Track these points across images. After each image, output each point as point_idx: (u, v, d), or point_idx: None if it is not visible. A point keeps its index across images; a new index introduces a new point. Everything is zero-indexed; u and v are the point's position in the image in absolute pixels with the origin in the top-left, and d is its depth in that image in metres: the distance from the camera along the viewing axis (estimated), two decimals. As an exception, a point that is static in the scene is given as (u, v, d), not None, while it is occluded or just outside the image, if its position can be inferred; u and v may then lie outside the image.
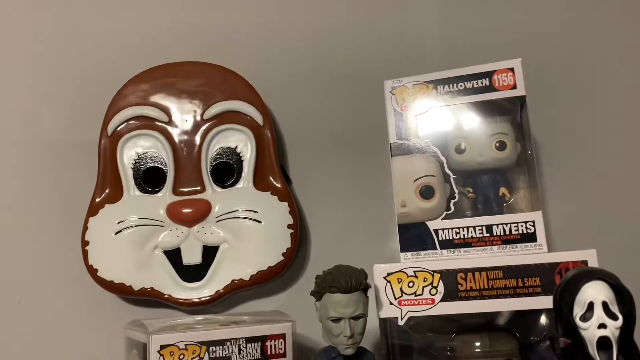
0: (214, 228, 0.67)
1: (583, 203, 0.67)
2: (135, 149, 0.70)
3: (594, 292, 0.39)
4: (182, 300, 0.67)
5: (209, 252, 0.67)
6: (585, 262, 0.50)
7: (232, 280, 0.66)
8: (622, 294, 0.39)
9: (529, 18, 0.70)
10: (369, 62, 0.72)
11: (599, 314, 0.38)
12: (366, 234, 0.68)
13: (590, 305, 0.38)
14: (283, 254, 0.66)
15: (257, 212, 0.67)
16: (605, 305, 0.38)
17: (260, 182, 0.68)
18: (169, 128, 0.70)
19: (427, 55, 0.72)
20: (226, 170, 0.69)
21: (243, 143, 0.69)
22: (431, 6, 0.73)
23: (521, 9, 0.71)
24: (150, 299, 0.68)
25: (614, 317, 0.38)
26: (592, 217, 0.66)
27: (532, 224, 0.54)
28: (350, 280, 0.47)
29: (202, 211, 0.67)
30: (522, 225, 0.54)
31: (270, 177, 0.69)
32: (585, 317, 0.38)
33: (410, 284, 0.52)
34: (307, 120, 0.73)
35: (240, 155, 0.69)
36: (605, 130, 0.68)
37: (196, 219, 0.67)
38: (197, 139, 0.69)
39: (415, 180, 0.58)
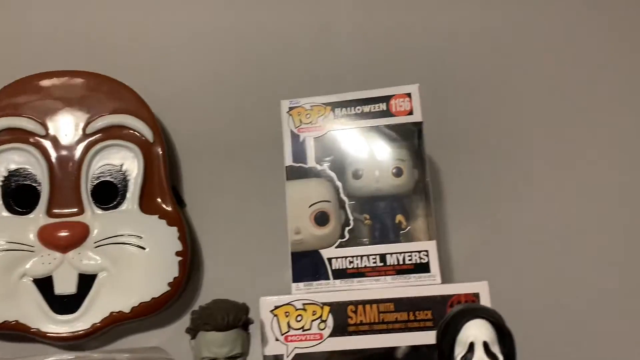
0: (91, 254, 0.60)
1: (483, 231, 0.66)
2: (5, 165, 0.62)
3: (475, 331, 0.37)
4: (52, 335, 0.60)
5: (86, 281, 0.60)
6: (476, 295, 0.49)
7: (111, 313, 0.60)
8: (503, 333, 0.37)
9: (431, 42, 0.70)
10: (270, 79, 0.69)
11: (479, 355, 0.36)
12: (264, 262, 0.64)
13: (471, 346, 0.37)
14: (169, 284, 0.61)
15: (141, 238, 0.61)
16: (486, 345, 0.37)
17: (147, 204, 0.63)
18: (46, 142, 0.63)
19: (330, 75, 0.70)
20: (109, 191, 0.63)
21: (129, 161, 0.63)
22: (340, 24, 0.71)
23: (424, 34, 0.71)
24: (15, 333, 0.60)
25: (494, 357, 0.37)
26: (491, 245, 0.66)
27: (425, 253, 0.52)
28: (227, 317, 0.43)
29: (78, 235, 0.60)
30: (416, 255, 0.52)
31: (159, 199, 0.63)
32: (466, 358, 0.37)
33: (299, 318, 0.49)
34: (204, 139, 0.68)
35: (126, 174, 0.63)
36: (508, 157, 0.68)
37: (71, 244, 0.60)
38: (78, 155, 0.63)
39: (310, 206, 0.55)
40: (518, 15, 0.71)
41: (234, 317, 0.43)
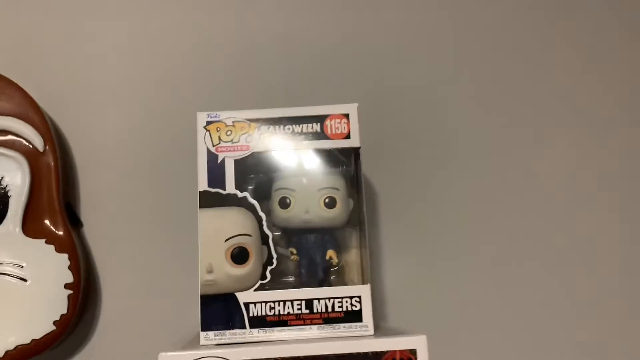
0: (-43, 287, 0.50)
1: (423, 266, 0.60)
2: None
3: None
4: None
5: (-51, 319, 0.50)
6: (413, 352, 0.43)
7: (-21, 357, 0.50)
8: None
9: (370, 61, 0.63)
10: (187, 87, 0.59)
11: None
12: (170, 301, 0.55)
13: None
14: (55, 323, 0.51)
15: (22, 267, 0.51)
16: None
17: (32, 226, 0.53)
18: None
19: (260, 89, 0.61)
20: (-16, 209, 0.53)
21: (12, 173, 0.53)
22: (269, 29, 0.63)
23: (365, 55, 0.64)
24: None
25: None
26: (431, 284, 0.60)
27: (358, 299, 0.46)
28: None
29: (-60, 264, 0.49)
30: (347, 302, 0.46)
31: (48, 220, 0.53)
32: None
33: (205, 380, 0.41)
34: (107, 150, 0.58)
35: (7, 189, 0.53)
36: (453, 181, 0.62)
37: None
38: (-54, 164, 0.52)
39: (226, 240, 0.47)
40: (460, 31, 0.65)
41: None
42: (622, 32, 0.65)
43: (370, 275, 0.48)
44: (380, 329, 0.48)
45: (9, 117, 0.53)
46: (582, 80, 0.65)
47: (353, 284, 0.50)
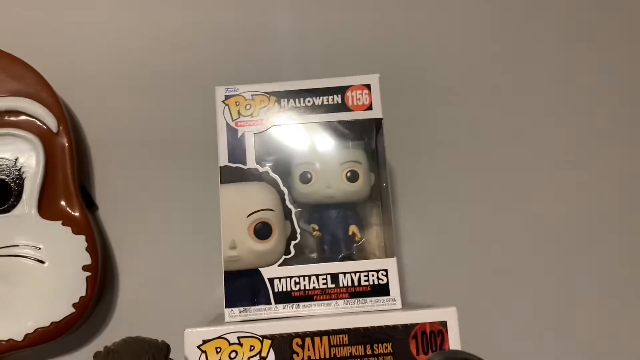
0: (-27, 270, 0.49)
1: (443, 241, 0.59)
2: None
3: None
4: None
5: (-33, 302, 0.49)
6: (444, 323, 0.42)
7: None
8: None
9: (391, 29, 0.62)
10: (205, 62, 0.58)
11: None
12: (191, 280, 0.54)
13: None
14: (74, 305, 0.50)
15: (39, 249, 0.50)
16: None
17: (48, 208, 0.52)
18: None
19: (277, 60, 0.60)
20: (0, 190, 0.51)
21: (27, 155, 0.52)
22: (282, 7, 0.62)
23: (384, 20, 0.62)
24: None
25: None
26: (450, 260, 0.59)
27: (384, 273, 0.45)
28: (139, 363, 0.33)
29: (-43, 246, 0.49)
30: (373, 275, 0.45)
31: (63, 202, 0.52)
32: None
33: (232, 355, 0.40)
34: (122, 130, 0.57)
35: (22, 171, 0.52)
36: (474, 160, 0.61)
37: (-53, 257, 0.48)
38: (-41, 145, 0.51)
39: (249, 215, 0.46)
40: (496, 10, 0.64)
41: (149, 363, 0.34)
42: None
43: (394, 249, 0.47)
44: (405, 304, 0.48)
45: (23, 98, 0.52)
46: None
47: (375, 258, 0.49)
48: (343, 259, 0.48)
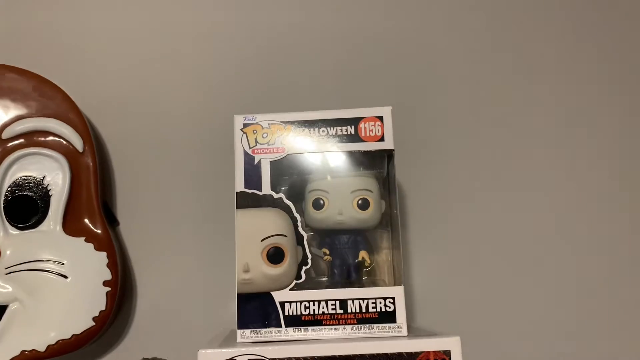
0: (0, 282, 0.52)
1: (453, 269, 0.60)
2: None
3: None
4: (-51, 376, 0.51)
5: (-7, 314, 0.52)
6: (447, 353, 0.43)
7: (22, 352, 0.51)
8: None
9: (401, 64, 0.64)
10: (226, 91, 0.61)
11: None
12: (206, 299, 0.57)
13: None
14: (95, 319, 0.52)
15: (63, 264, 0.53)
16: None
17: (72, 225, 0.54)
18: (-49, 147, 0.54)
19: (294, 92, 0.62)
20: (27, 207, 0.54)
21: (54, 173, 0.55)
22: (301, 36, 0.64)
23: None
24: None
25: None
26: (461, 286, 0.60)
27: (392, 300, 0.46)
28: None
29: (-15, 260, 0.51)
30: (380, 302, 0.46)
31: (87, 219, 0.55)
32: None
33: (243, 377, 0.42)
34: (143, 151, 0.60)
35: (48, 188, 0.54)
36: (486, 188, 0.62)
37: (-24, 270, 0.51)
38: (-10, 164, 0.54)
39: (262, 240, 0.48)
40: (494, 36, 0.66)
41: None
42: None
43: (402, 277, 0.49)
44: (412, 330, 0.49)
45: (51, 119, 0.55)
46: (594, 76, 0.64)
47: (384, 284, 0.50)
48: (354, 285, 0.49)
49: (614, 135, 0.64)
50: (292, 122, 0.50)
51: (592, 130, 0.64)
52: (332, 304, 0.46)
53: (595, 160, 0.63)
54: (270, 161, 0.49)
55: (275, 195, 0.49)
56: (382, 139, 0.49)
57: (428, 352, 0.43)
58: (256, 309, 0.46)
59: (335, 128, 0.49)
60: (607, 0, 0.66)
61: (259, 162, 0.49)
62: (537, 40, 0.65)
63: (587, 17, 0.66)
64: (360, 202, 0.50)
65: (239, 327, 0.46)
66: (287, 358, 0.43)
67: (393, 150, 0.49)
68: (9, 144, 0.54)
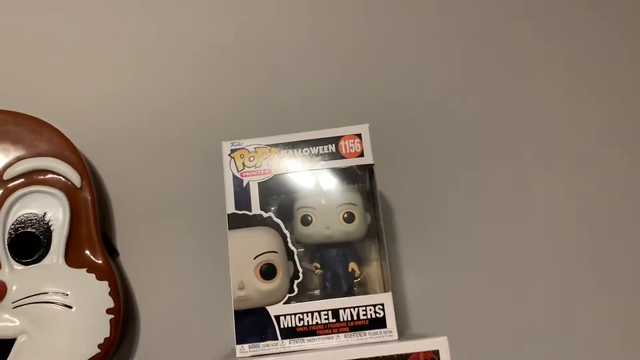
0: (8, 316, 0.54)
1: (440, 275, 0.63)
2: None
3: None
4: (-38, 411, 0.53)
5: (2, 347, 0.53)
6: (436, 352, 0.45)
7: (32, 382, 0.53)
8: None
9: (379, 82, 0.67)
10: (211, 120, 0.64)
11: None
12: (205, 319, 0.59)
13: None
14: (100, 346, 0.54)
15: (67, 295, 0.55)
16: None
17: (74, 257, 0.57)
18: (-45, 190, 0.56)
19: (278, 116, 0.66)
20: (30, 243, 0.56)
21: (54, 209, 0.57)
22: (284, 62, 0.68)
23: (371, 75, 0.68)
24: None
25: None
26: (449, 291, 0.62)
27: (381, 307, 0.49)
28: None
29: (-7, 296, 0.53)
30: (370, 309, 0.49)
31: (88, 251, 0.57)
32: None
33: (243, 388, 0.44)
34: (139, 182, 0.63)
35: (50, 224, 0.57)
36: (466, 195, 0.65)
37: (-15, 306, 0.53)
38: (-7, 204, 0.56)
39: (255, 257, 0.50)
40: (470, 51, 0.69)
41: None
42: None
43: (391, 284, 0.51)
44: (403, 335, 0.51)
45: (49, 158, 0.58)
46: (591, 82, 0.68)
47: (375, 293, 0.53)
48: (346, 295, 0.52)
49: (607, 139, 0.66)
50: (276, 145, 0.53)
51: (580, 139, 0.66)
52: (324, 314, 0.49)
53: (582, 170, 0.65)
54: (259, 183, 0.52)
55: (265, 215, 0.51)
56: (361, 154, 0.52)
57: (418, 353, 0.45)
58: (253, 324, 0.48)
59: (317, 147, 0.52)
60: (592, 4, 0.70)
61: (248, 184, 0.52)
62: (521, 48, 0.68)
63: (575, 18, 0.70)
64: (345, 215, 0.53)
65: (238, 343, 0.48)
66: (284, 368, 0.45)
67: (373, 164, 0.52)
68: (11, 184, 0.57)
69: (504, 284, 0.62)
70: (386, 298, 0.49)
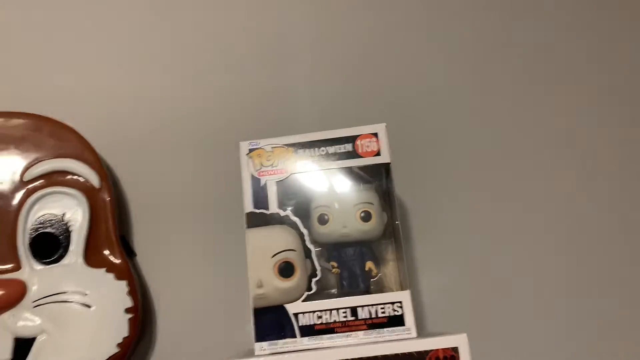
0: (29, 315, 0.54)
1: (456, 274, 0.63)
2: None
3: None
4: (-17, 409, 0.53)
5: (23, 346, 0.54)
6: (455, 349, 0.45)
7: (52, 381, 0.54)
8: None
9: (395, 81, 0.68)
10: (228, 121, 0.65)
11: None
12: (223, 318, 0.59)
13: None
14: (119, 345, 0.55)
15: (86, 294, 0.55)
16: None
17: (93, 257, 0.57)
18: (-23, 191, 0.57)
19: (294, 116, 0.66)
20: (50, 243, 0.57)
21: (73, 210, 0.58)
22: (299, 63, 0.69)
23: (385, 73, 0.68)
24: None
25: None
26: (465, 289, 0.62)
27: (399, 305, 0.49)
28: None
29: (14, 295, 0.54)
30: (389, 307, 0.49)
31: (106, 251, 0.58)
32: None
33: (263, 385, 0.44)
34: (156, 184, 0.63)
35: (69, 224, 0.58)
36: (482, 194, 0.65)
37: (6, 305, 0.54)
38: (14, 204, 0.57)
39: (273, 256, 0.50)
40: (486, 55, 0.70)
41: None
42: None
43: (408, 282, 0.51)
44: (423, 332, 0.51)
45: (68, 159, 0.59)
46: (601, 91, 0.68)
47: (392, 292, 0.53)
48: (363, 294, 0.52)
49: (611, 141, 0.67)
50: (293, 145, 0.53)
51: (589, 140, 0.67)
52: (343, 312, 0.49)
53: (592, 169, 0.66)
54: (276, 182, 0.52)
55: (282, 213, 0.52)
56: (378, 153, 0.52)
57: (437, 350, 0.45)
58: (271, 322, 0.49)
59: (334, 147, 0.53)
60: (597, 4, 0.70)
61: (265, 183, 0.52)
62: (532, 51, 0.69)
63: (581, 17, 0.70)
64: (362, 214, 0.53)
65: (257, 341, 0.48)
66: (303, 365, 0.45)
67: (389, 163, 0.52)
68: (31, 185, 0.58)
69: (519, 281, 0.62)
70: (404, 296, 0.49)
